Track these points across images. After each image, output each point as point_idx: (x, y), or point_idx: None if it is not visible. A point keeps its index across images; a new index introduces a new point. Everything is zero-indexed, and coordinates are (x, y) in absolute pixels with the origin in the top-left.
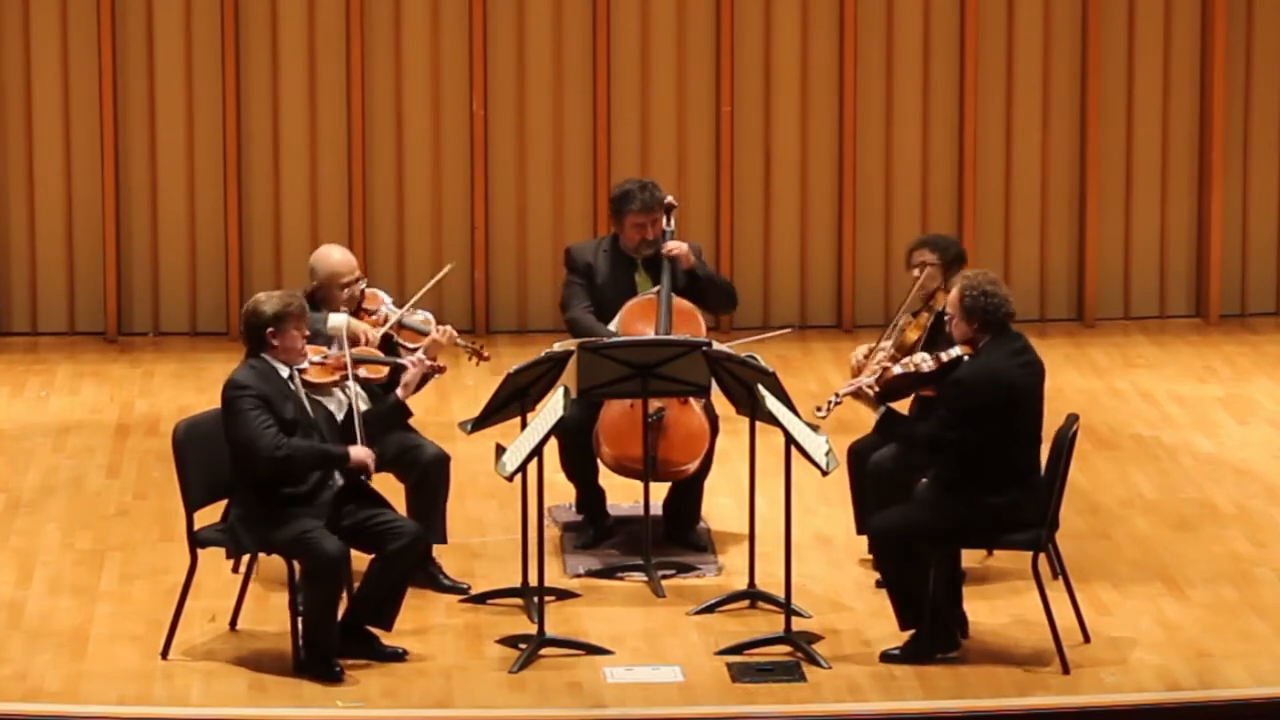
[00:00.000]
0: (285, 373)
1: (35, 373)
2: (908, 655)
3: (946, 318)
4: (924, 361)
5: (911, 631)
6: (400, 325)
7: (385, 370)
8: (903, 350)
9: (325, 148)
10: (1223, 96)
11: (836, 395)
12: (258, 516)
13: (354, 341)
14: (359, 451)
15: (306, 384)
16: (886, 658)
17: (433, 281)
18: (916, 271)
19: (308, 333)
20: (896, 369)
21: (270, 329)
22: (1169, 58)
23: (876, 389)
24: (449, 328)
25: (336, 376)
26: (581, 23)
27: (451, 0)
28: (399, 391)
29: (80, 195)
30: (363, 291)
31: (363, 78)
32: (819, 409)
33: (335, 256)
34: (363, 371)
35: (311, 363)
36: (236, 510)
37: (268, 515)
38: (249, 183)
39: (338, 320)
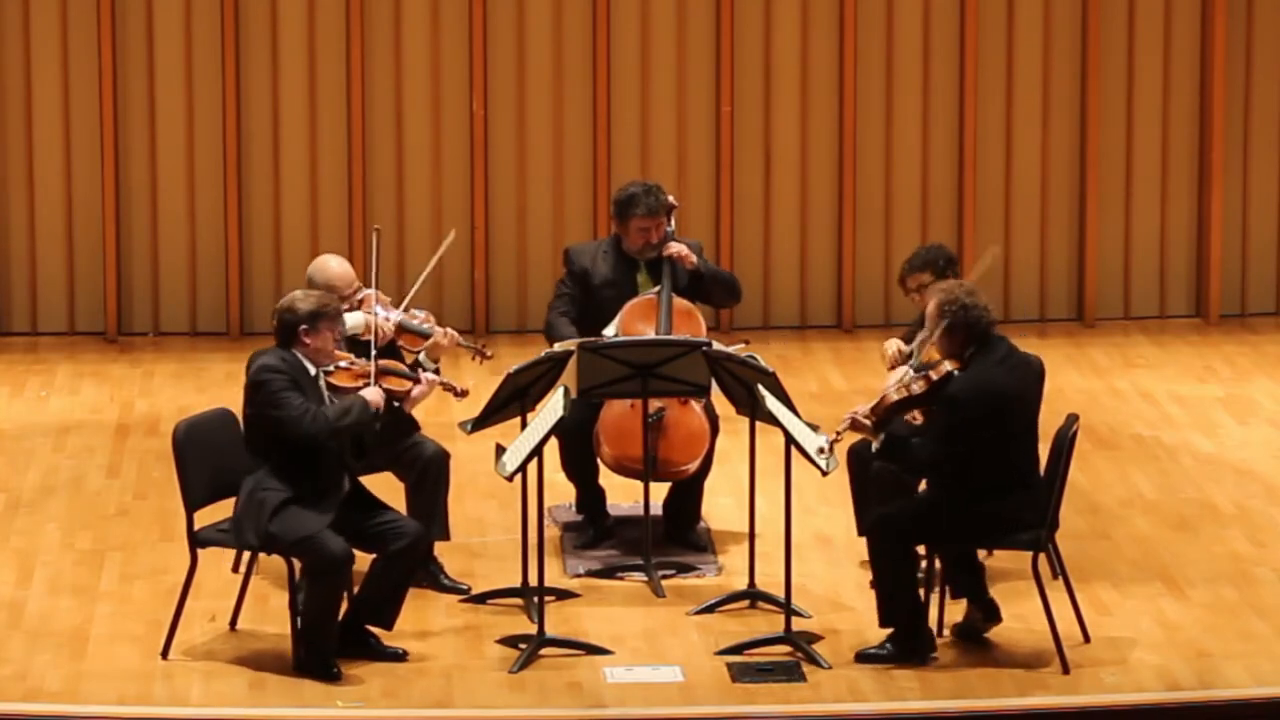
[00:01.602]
0: (312, 371)
1: (35, 373)
2: (889, 655)
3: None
4: (914, 383)
5: (889, 630)
6: (401, 329)
7: (408, 384)
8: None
9: (325, 148)
10: (1223, 96)
11: (837, 432)
12: (265, 511)
13: (367, 336)
14: (370, 393)
15: (331, 386)
16: (862, 657)
17: (439, 253)
18: (916, 296)
19: (340, 336)
20: (892, 395)
21: (304, 327)
22: (1169, 58)
23: (874, 418)
24: (450, 330)
25: (360, 383)
26: (581, 23)
27: (451, 0)
28: (406, 406)
29: (80, 195)
30: (362, 298)
31: (363, 78)
32: (821, 451)
33: (333, 268)
34: (386, 384)
35: (338, 367)
36: (244, 502)
37: (275, 512)
38: (249, 183)
39: (356, 319)
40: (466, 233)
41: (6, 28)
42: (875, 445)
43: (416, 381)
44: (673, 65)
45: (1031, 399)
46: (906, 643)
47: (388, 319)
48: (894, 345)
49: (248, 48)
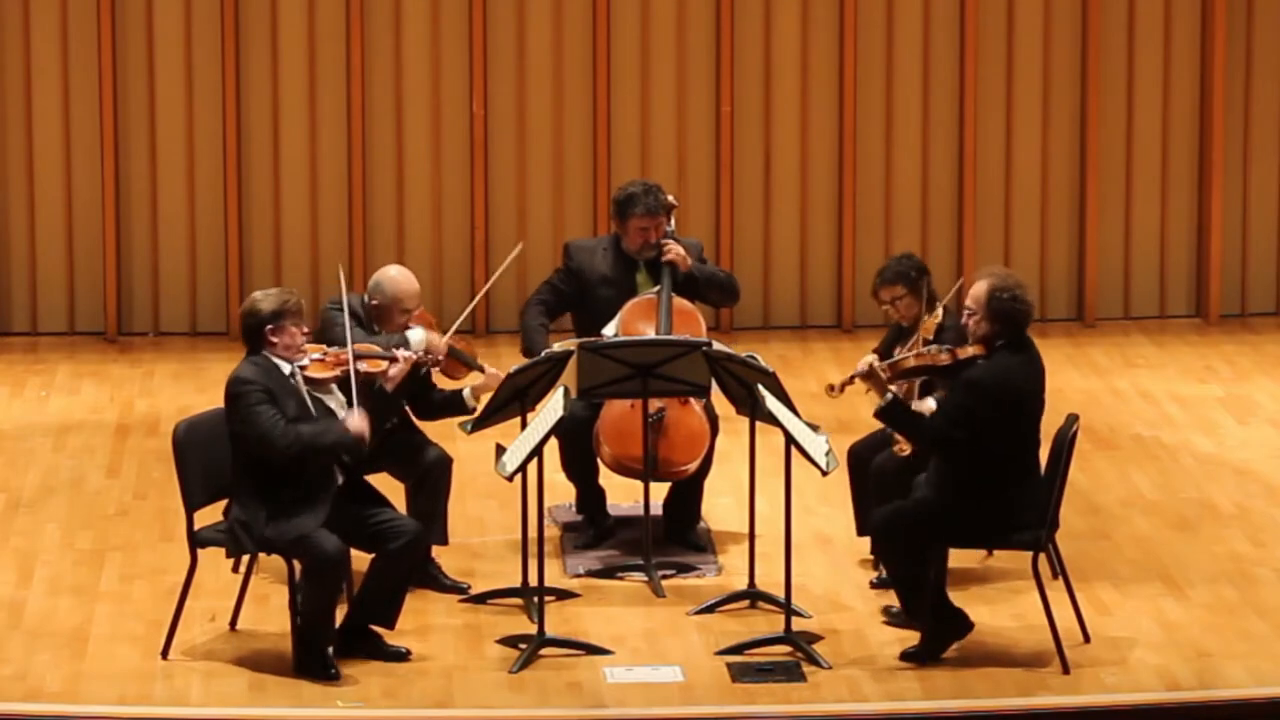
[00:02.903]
0: (286, 369)
1: (35, 373)
2: (925, 651)
3: (967, 312)
4: (940, 353)
5: (924, 624)
6: (450, 355)
7: (384, 364)
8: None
9: (325, 148)
10: (1223, 96)
11: (851, 376)
12: (258, 516)
13: (430, 353)
14: (354, 420)
15: (308, 380)
16: (906, 656)
17: (507, 262)
18: (889, 309)
19: (306, 330)
20: (911, 359)
21: (269, 326)
22: (1169, 58)
23: (889, 373)
24: (498, 372)
25: (337, 372)
26: (581, 23)
27: (451, 0)
28: (386, 385)
29: (80, 195)
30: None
31: (363, 78)
32: (832, 387)
33: (403, 284)
34: (363, 366)
35: (312, 359)
36: (237, 510)
37: (268, 515)
38: (249, 183)
39: (418, 336)
40: (467, 233)
41: (6, 28)
42: (881, 403)
43: (393, 361)
44: (673, 65)
45: (1041, 401)
46: (939, 631)
47: (442, 338)
48: (869, 362)
49: (248, 48)
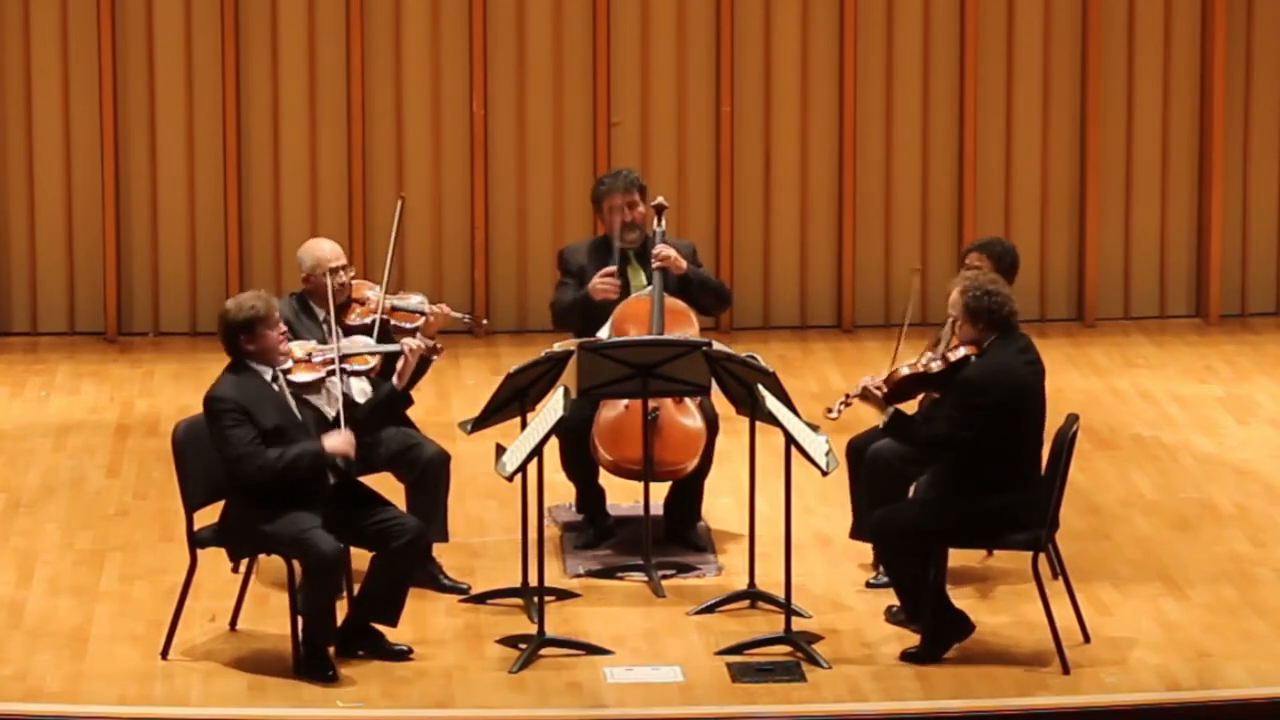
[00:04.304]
0: (268, 375)
1: (35, 373)
2: (926, 652)
3: (950, 320)
4: (932, 362)
5: (925, 626)
6: (394, 308)
7: (374, 360)
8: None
9: (325, 148)
10: (1223, 96)
11: (846, 397)
12: (253, 517)
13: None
14: (334, 441)
15: (292, 384)
16: (907, 656)
17: (395, 226)
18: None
19: (284, 331)
20: (904, 370)
21: (243, 335)
22: (1169, 58)
23: (884, 389)
24: (443, 305)
25: (323, 372)
26: (581, 23)
27: (451, 0)
28: (394, 380)
29: (80, 195)
30: (351, 283)
31: (363, 77)
32: (830, 410)
33: (321, 244)
34: (350, 365)
35: (296, 360)
36: (232, 511)
37: (264, 515)
38: (249, 183)
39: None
40: (467, 232)
41: (6, 28)
42: (881, 420)
43: (391, 355)
44: (673, 65)
45: (1041, 399)
46: (940, 632)
47: (378, 300)
48: (863, 384)
49: (248, 48)
